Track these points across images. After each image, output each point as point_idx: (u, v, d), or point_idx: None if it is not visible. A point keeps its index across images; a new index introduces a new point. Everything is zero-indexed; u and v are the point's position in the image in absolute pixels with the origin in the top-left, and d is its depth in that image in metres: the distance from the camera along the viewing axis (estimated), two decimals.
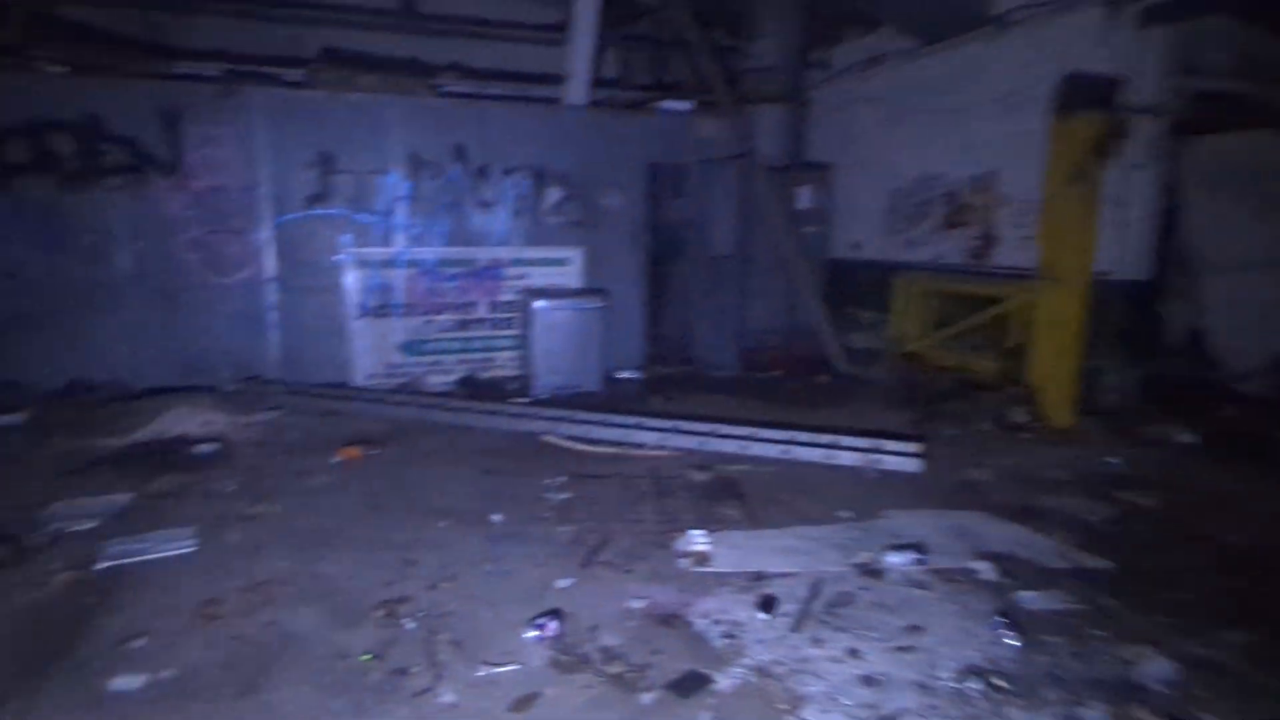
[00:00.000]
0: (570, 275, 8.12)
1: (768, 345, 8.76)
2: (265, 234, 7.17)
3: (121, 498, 4.55)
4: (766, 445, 5.42)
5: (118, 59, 7.61)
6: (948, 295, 8.01)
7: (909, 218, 8.54)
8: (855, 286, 9.09)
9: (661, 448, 5.60)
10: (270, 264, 7.21)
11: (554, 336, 7.30)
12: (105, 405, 6.41)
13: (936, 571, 3.86)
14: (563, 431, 5.88)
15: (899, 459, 5.20)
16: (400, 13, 9.34)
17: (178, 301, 7.02)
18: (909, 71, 8.31)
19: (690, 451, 5.53)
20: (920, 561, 3.91)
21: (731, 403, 7.15)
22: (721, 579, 3.76)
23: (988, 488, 5.04)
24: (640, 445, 5.65)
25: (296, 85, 7.24)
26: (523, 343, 7.78)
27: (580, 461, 5.46)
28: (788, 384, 7.99)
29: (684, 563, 3.92)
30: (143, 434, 5.84)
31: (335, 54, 8.74)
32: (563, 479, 5.00)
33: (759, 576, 3.79)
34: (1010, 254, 7.26)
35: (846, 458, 5.30)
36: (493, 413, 6.26)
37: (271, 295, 7.25)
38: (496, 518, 4.43)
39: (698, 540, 4.05)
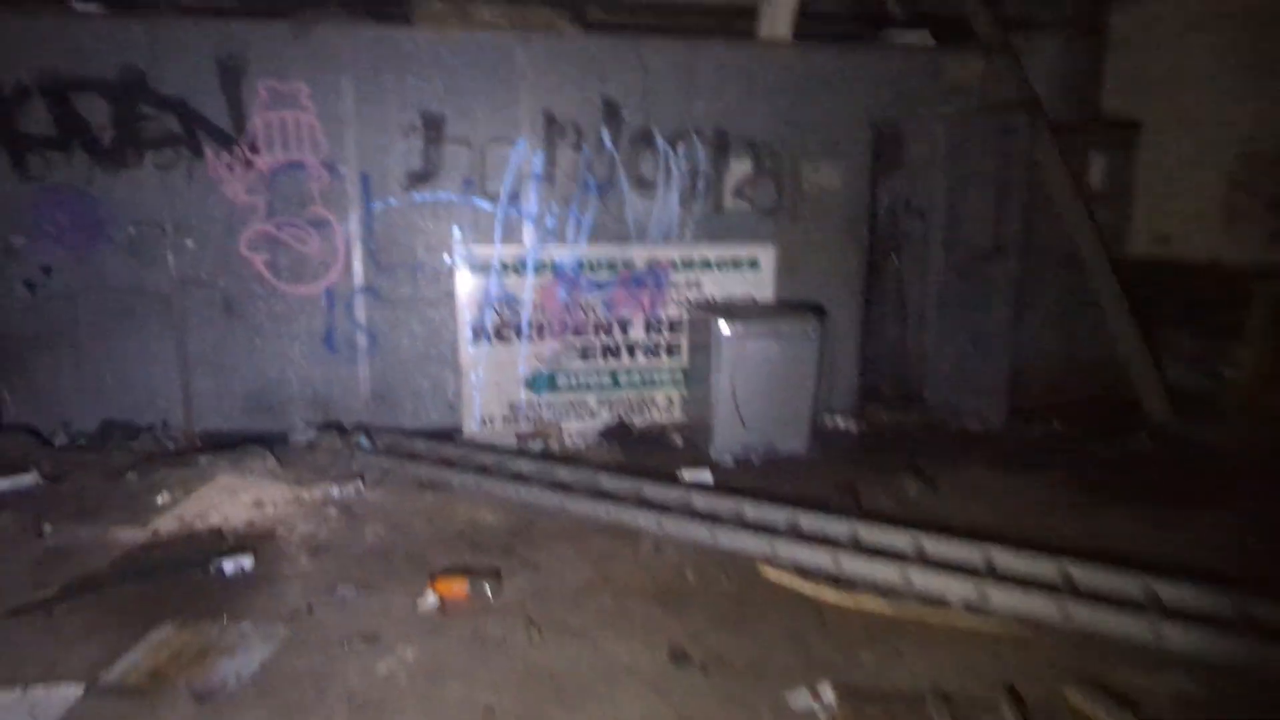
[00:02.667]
0: (760, 282, 5.77)
1: (1037, 381, 6.07)
2: (353, 227, 5.24)
3: (63, 694, 2.62)
4: (1212, 633, 2.88)
5: None
6: None
7: (1276, 201, 5.62)
8: (1162, 298, 6.21)
9: (978, 609, 3.17)
10: (359, 268, 5.28)
11: (748, 376, 4.99)
12: (139, 464, 4.65)
13: None
14: (788, 555, 3.55)
15: None
16: None
17: (241, 317, 5.22)
18: None
19: (1040, 624, 3.08)
20: None
21: (1025, 486, 4.62)
22: None
23: None
24: (934, 598, 3.25)
25: (392, 20, 5.23)
26: (694, 378, 5.52)
27: (839, 630, 3.12)
28: (1090, 449, 5.33)
29: None
30: (167, 520, 4.00)
31: None
32: (828, 693, 2.67)
33: None
34: None
35: None
36: (667, 509, 4.01)
37: (360, 310, 5.33)
38: None
39: None
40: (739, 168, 5.68)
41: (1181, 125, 6.19)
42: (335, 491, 4.38)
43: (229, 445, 4.88)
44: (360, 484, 4.48)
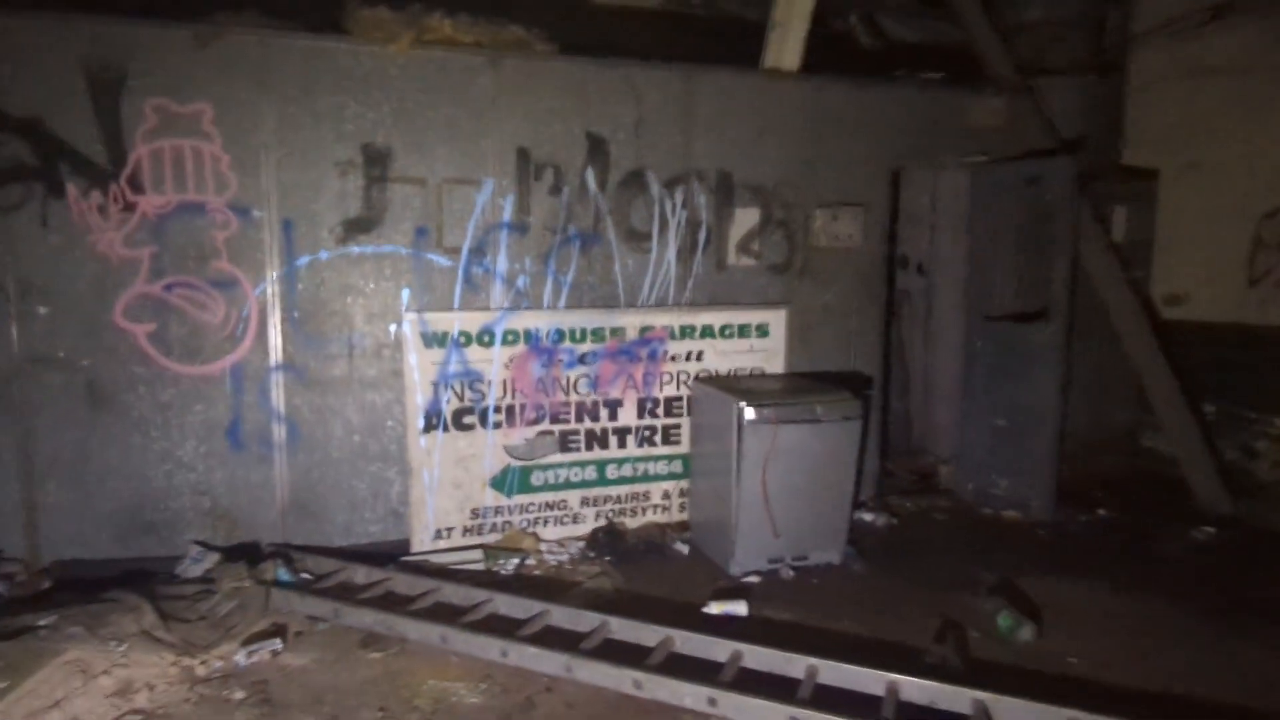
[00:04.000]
0: (770, 351, 4.88)
1: (1067, 458, 5.34)
2: (270, 288, 4.06)
3: None
4: None
5: None
6: None
7: None
8: (1183, 364, 5.65)
9: None
10: (276, 340, 4.09)
11: (777, 471, 4.04)
12: None
13: None
14: None
15: None
16: None
17: (113, 407, 3.92)
18: None
19: None
20: None
21: (1122, 608, 3.81)
22: None
23: None
24: None
25: (329, 32, 4.15)
26: (700, 471, 4.54)
27: None
28: (1153, 544, 4.62)
29: None
30: None
31: None
32: None
33: None
34: None
35: None
36: (717, 674, 2.96)
37: (277, 394, 4.12)
38: None
39: None
40: (745, 218, 4.82)
41: (1196, 174, 5.76)
42: (242, 659, 3.14)
43: (90, 588, 3.54)
44: (279, 644, 3.24)
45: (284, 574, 3.79)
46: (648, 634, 3.21)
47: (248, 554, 3.97)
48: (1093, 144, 5.62)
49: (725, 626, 3.46)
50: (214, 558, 3.90)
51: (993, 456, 5.23)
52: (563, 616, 3.38)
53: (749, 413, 3.98)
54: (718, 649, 3.09)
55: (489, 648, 3.13)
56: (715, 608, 3.66)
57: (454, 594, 3.64)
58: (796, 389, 4.35)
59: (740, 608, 3.67)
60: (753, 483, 4.02)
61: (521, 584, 3.98)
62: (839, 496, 4.23)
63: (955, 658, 3.19)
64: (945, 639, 3.34)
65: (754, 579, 4.10)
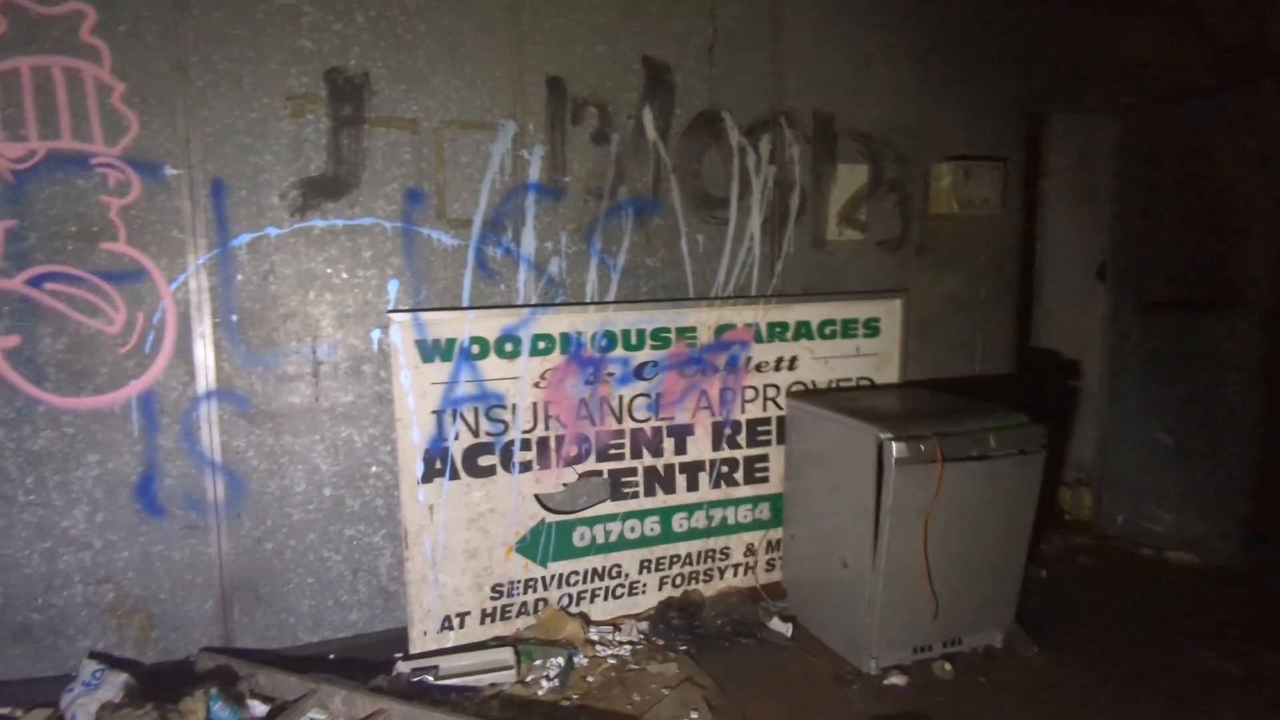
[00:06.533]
0: (882, 355, 3.67)
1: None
2: (194, 281, 2.75)
3: None
4: None
5: None
6: None
7: None
8: None
9: None
10: (205, 355, 2.79)
11: (936, 526, 2.82)
12: None
13: None
14: None
15: None
16: None
17: None
18: None
19: None
20: None
21: None
22: None
23: None
24: None
25: None
26: (801, 517, 3.32)
27: None
28: None
29: None
30: None
31: None
32: None
33: None
34: None
35: None
36: None
37: (209, 435, 2.82)
38: None
39: None
40: (850, 177, 3.60)
41: None
42: None
43: None
44: None
45: (220, 709, 2.51)
46: None
47: (170, 674, 2.68)
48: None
49: None
50: (118, 682, 2.61)
51: (1153, 481, 4.07)
52: None
53: (896, 449, 2.75)
54: None
55: None
56: None
57: None
58: (946, 410, 3.14)
59: None
60: (902, 545, 2.81)
61: (575, 709, 2.73)
62: (1011, 557, 3.05)
63: None
64: None
65: (898, 679, 2.91)
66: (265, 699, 2.65)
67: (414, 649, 3.04)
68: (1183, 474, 3.97)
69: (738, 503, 3.51)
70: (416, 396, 2.97)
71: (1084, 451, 4.55)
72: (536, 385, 3.14)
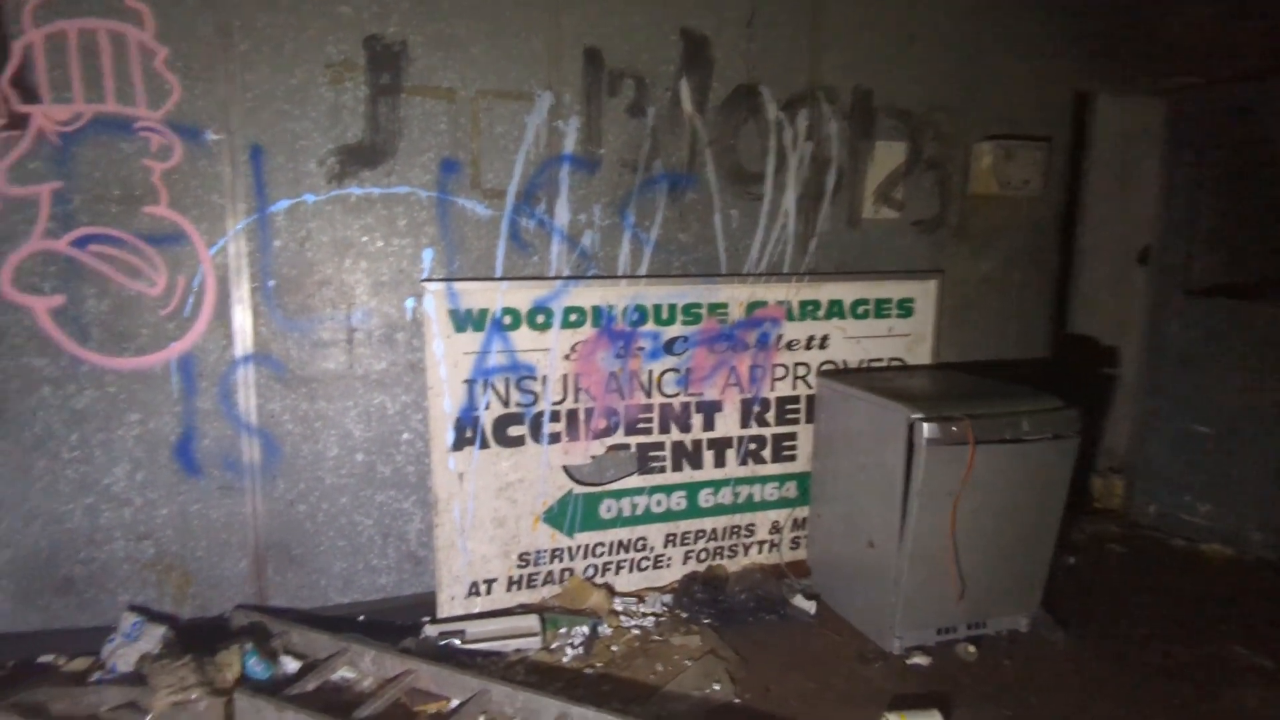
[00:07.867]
0: (915, 335, 3.63)
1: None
2: (233, 245, 2.79)
3: None
4: None
5: None
6: None
7: None
8: None
9: None
10: (243, 320, 2.83)
11: (965, 508, 2.80)
12: None
13: None
14: None
15: None
16: None
17: (7, 416, 2.68)
18: None
19: None
20: None
21: None
22: None
23: None
24: None
25: None
26: (827, 497, 3.31)
27: None
28: None
29: None
30: None
31: None
32: None
33: None
34: None
35: None
36: None
37: (247, 396, 2.87)
38: None
39: None
40: (887, 155, 3.54)
41: None
42: None
43: None
44: None
45: (255, 664, 2.58)
46: None
47: (206, 629, 2.76)
48: None
49: None
50: (156, 635, 2.69)
51: (1189, 472, 4.00)
52: None
53: (927, 429, 2.73)
54: None
55: None
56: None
57: (506, 701, 2.43)
58: (979, 392, 3.10)
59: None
60: (930, 526, 2.79)
61: (599, 677, 2.77)
62: (1040, 542, 3.02)
63: None
64: None
65: (921, 659, 2.91)
66: (298, 655, 2.72)
67: (441, 613, 3.09)
68: (1220, 465, 3.89)
69: (764, 480, 3.51)
70: (448, 365, 3.00)
71: (1117, 440, 4.47)
72: (567, 357, 3.15)
